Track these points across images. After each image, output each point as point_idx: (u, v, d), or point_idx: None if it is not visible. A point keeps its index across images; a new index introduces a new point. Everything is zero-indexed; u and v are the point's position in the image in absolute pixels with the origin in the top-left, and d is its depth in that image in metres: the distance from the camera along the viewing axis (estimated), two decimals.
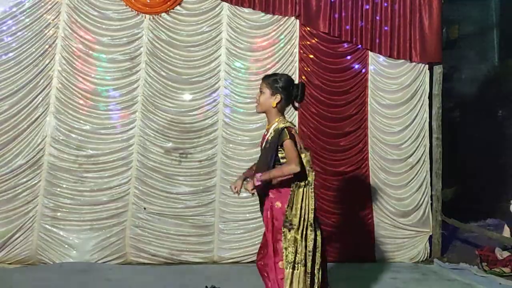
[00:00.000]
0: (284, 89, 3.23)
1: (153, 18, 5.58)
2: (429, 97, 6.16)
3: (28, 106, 5.26)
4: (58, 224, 5.23)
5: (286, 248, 3.03)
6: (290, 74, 5.78)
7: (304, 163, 3.13)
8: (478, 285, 4.92)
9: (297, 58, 5.87)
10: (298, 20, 5.85)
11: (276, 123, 3.22)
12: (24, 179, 5.19)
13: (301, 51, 5.88)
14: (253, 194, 3.14)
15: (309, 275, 3.04)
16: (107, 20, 5.50)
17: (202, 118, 5.63)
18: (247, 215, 5.55)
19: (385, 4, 6.03)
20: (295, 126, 3.34)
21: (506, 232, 5.74)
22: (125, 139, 5.47)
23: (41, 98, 5.31)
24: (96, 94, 5.45)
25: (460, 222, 6.26)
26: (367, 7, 5.98)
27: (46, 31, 5.36)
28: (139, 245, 5.35)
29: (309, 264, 3.04)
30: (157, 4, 5.56)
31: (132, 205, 5.40)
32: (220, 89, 5.67)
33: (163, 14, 5.60)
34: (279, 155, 3.15)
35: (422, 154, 6.07)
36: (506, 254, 5.47)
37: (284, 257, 3.03)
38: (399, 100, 6.06)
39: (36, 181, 5.22)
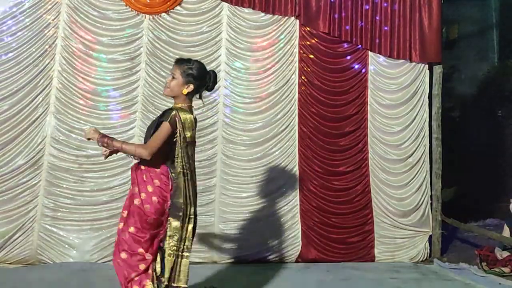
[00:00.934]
0: (198, 78, 3.11)
1: (153, 18, 5.58)
2: (429, 97, 6.16)
3: (28, 106, 5.26)
4: (58, 224, 5.23)
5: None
6: (290, 74, 5.85)
7: (183, 157, 3.03)
8: (477, 285, 4.92)
9: (297, 58, 5.87)
10: (298, 20, 5.86)
11: (172, 108, 3.09)
12: (24, 179, 5.19)
13: (301, 51, 5.88)
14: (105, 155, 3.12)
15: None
16: (107, 20, 5.50)
17: (202, 118, 5.63)
18: (247, 215, 5.55)
19: (385, 4, 6.03)
20: (194, 116, 3.15)
21: (506, 232, 5.75)
22: (125, 139, 5.46)
23: (41, 98, 5.31)
24: (96, 94, 5.45)
25: (460, 222, 6.27)
26: (367, 7, 5.98)
27: (46, 31, 5.36)
28: None
29: None
30: (157, 4, 5.56)
31: None
32: (220, 89, 5.66)
33: (163, 14, 5.60)
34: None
35: (422, 154, 6.07)
36: (505, 254, 5.48)
37: None
38: (399, 100, 6.06)
39: (36, 181, 5.22)
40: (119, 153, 5.51)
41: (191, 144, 3.12)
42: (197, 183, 3.46)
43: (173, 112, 3.01)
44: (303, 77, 5.87)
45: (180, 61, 3.17)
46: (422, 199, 6.02)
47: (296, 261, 5.60)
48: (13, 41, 5.26)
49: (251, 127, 5.74)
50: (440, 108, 6.21)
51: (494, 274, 5.26)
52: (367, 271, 5.32)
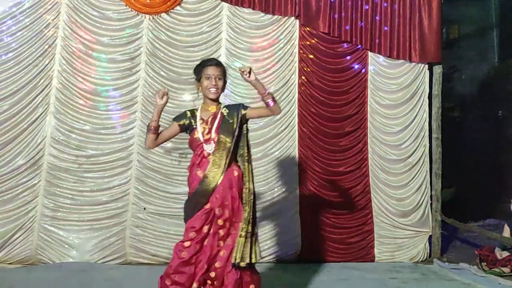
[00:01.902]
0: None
1: (153, 18, 5.58)
2: (428, 97, 6.16)
3: (28, 106, 5.26)
4: (58, 224, 5.23)
5: None
6: (290, 74, 5.85)
7: None
8: (477, 285, 4.92)
9: (297, 58, 5.87)
10: (298, 20, 5.86)
11: (220, 104, 3.37)
12: (24, 179, 5.19)
13: (301, 51, 5.89)
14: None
15: None
16: (107, 20, 5.50)
17: None
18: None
19: (385, 4, 6.03)
20: None
21: (506, 232, 5.74)
22: (125, 139, 5.47)
23: (41, 98, 5.31)
24: (96, 94, 5.45)
25: (460, 222, 6.27)
26: (367, 7, 5.98)
27: (46, 31, 5.36)
28: (139, 245, 5.36)
29: None
30: (157, 4, 5.56)
31: (132, 205, 5.40)
32: None
33: (163, 14, 5.60)
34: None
35: (421, 154, 6.07)
36: (505, 254, 5.47)
37: None
38: (398, 100, 6.06)
39: (36, 181, 5.23)
40: (118, 153, 5.54)
41: None
42: None
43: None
44: (303, 77, 5.87)
45: (219, 63, 3.40)
46: (422, 199, 6.02)
47: (296, 261, 5.60)
48: (13, 41, 5.26)
49: (251, 127, 5.70)
50: (440, 108, 6.21)
51: (494, 274, 5.26)
52: (367, 271, 5.32)
